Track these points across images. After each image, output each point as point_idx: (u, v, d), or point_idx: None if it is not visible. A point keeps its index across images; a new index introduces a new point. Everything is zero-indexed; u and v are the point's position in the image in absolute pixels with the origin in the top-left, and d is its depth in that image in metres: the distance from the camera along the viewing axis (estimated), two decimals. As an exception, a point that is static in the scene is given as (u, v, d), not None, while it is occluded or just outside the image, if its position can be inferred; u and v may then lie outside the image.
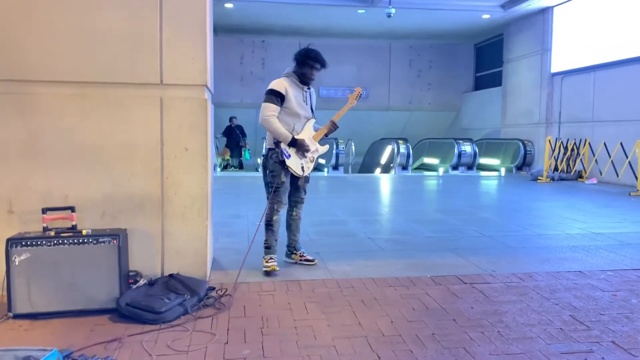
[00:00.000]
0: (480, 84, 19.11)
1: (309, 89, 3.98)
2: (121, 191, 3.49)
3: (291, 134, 3.85)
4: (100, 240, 3.16)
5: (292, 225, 4.11)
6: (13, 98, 3.37)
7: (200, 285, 3.38)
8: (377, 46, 18.79)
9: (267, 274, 3.88)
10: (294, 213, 4.08)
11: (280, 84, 3.83)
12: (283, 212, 4.06)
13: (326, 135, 4.00)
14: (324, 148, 4.06)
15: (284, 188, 3.94)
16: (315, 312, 3.18)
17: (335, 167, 14.50)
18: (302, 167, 3.93)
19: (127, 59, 3.46)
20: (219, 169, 13.96)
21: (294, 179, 3.99)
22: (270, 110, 3.79)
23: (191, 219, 3.62)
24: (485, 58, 18.78)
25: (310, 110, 3.95)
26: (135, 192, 3.51)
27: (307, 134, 3.93)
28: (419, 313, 3.19)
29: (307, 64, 3.84)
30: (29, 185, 3.38)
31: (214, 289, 3.49)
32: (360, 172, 16.33)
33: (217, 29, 16.70)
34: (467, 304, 3.35)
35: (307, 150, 3.88)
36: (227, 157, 14.93)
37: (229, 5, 13.52)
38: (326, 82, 17.78)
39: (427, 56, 19.26)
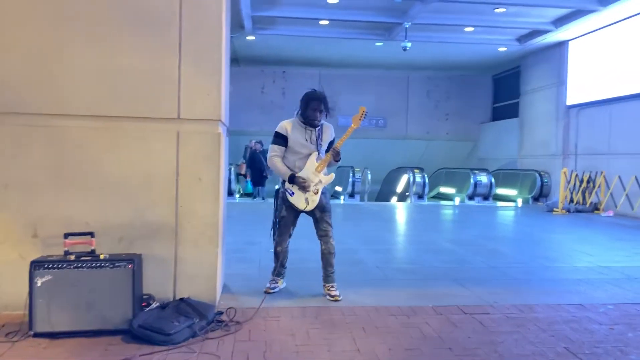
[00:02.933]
0: (498, 115, 19.19)
1: (313, 127, 4.11)
2: (138, 218, 3.68)
3: (293, 170, 4.08)
4: (117, 264, 3.34)
5: (322, 259, 4.24)
6: (44, 130, 3.61)
7: (208, 309, 3.54)
8: (396, 77, 19.08)
9: (267, 292, 4.23)
10: (322, 247, 4.21)
11: (283, 126, 4.12)
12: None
13: (336, 160, 4.09)
14: (328, 178, 4.16)
15: (284, 222, 4.19)
16: (317, 338, 3.31)
17: (352, 195, 14.81)
18: (307, 201, 4.09)
19: (148, 96, 3.69)
20: (237, 196, 14.14)
21: (312, 212, 4.16)
22: (273, 151, 4.14)
23: (203, 246, 3.79)
24: (503, 89, 18.90)
25: (314, 147, 4.11)
26: (151, 220, 3.70)
27: (310, 168, 4.10)
28: (416, 341, 3.30)
29: (307, 109, 4.04)
30: (53, 212, 3.60)
31: (222, 313, 3.64)
32: (377, 200, 16.45)
33: (240, 60, 17.18)
34: (464, 334, 3.44)
35: (306, 186, 4.03)
36: (243, 172, 14.64)
37: (250, 38, 13.94)
38: (345, 110, 18.03)
39: (445, 87, 19.48)
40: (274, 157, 4.11)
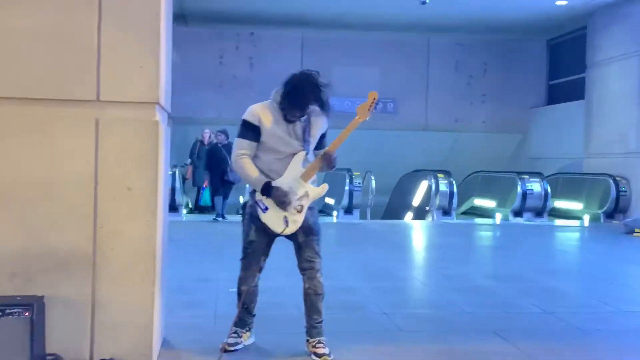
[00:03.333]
0: (555, 96, 19.42)
1: (301, 116, 4.09)
2: (38, 244, 3.64)
3: (268, 176, 4.06)
4: (8, 311, 3.29)
5: (305, 303, 4.24)
6: None
7: (141, 376, 3.53)
8: (410, 42, 19.28)
9: (225, 351, 4.15)
10: (306, 285, 4.20)
11: (254, 113, 4.07)
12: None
13: (330, 167, 4.12)
14: (319, 190, 4.16)
15: (253, 249, 4.18)
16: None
17: (349, 211, 14.91)
18: (286, 221, 4.06)
19: (53, 68, 3.65)
20: (184, 212, 14.08)
21: (293, 236, 4.15)
22: (240, 147, 4.09)
23: (133, 284, 3.76)
24: (563, 60, 19.15)
25: (299, 143, 4.10)
26: (57, 246, 3.65)
27: (292, 174, 4.07)
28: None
29: (290, 102, 3.99)
30: None
31: (159, 382, 3.54)
32: (384, 217, 16.74)
33: (188, 17, 17.20)
34: (508, 410, 3.46)
35: (286, 201, 4.00)
36: (189, 177, 14.33)
37: (204, -15, 13.98)
38: (340, 91, 18.05)
39: (481, 57, 19.78)
40: (242, 157, 4.08)
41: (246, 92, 15.93)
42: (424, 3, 13.35)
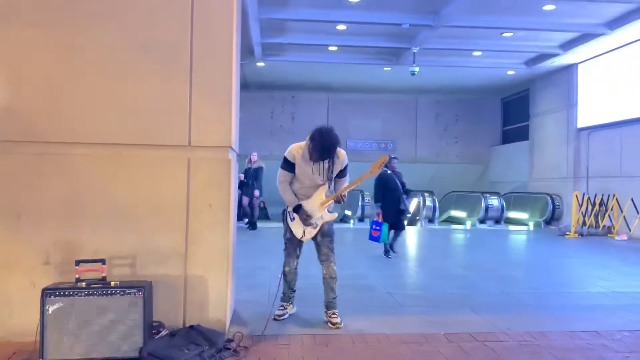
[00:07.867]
0: (508, 138, 21.11)
1: (323, 159, 4.26)
2: (149, 245, 4.21)
3: (298, 195, 4.30)
4: (127, 291, 3.72)
5: (324, 284, 4.55)
6: (55, 158, 4.19)
7: (218, 336, 4.01)
8: (404, 100, 21.74)
9: (275, 319, 4.60)
10: (324, 272, 4.54)
11: (291, 152, 4.38)
12: (317, 269, 4.46)
13: (341, 202, 4.18)
14: (331, 216, 4.41)
15: (290, 243, 4.53)
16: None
17: (361, 219, 17.03)
18: (304, 232, 4.30)
19: (159, 123, 4.21)
20: (246, 220, 13.68)
21: (314, 238, 4.34)
22: (281, 176, 4.44)
23: (213, 272, 4.24)
24: (513, 112, 20.63)
25: (322, 179, 4.26)
26: (161, 247, 4.21)
27: (317, 200, 4.30)
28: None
29: (314, 153, 4.09)
30: (65, 239, 4.16)
31: (232, 340, 4.12)
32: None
33: (249, 85, 18.02)
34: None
35: (307, 219, 4.25)
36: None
37: (260, 64, 15.38)
38: (354, 135, 18.71)
39: (454, 110, 23.20)
40: (281, 183, 4.40)
41: (288, 138, 16.30)
42: (413, 74, 13.75)
